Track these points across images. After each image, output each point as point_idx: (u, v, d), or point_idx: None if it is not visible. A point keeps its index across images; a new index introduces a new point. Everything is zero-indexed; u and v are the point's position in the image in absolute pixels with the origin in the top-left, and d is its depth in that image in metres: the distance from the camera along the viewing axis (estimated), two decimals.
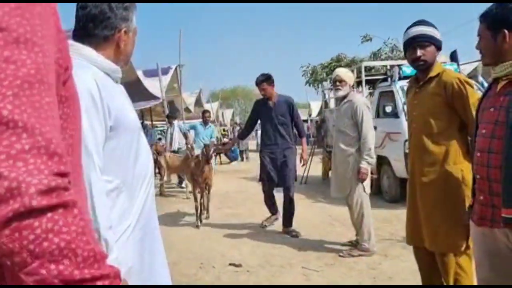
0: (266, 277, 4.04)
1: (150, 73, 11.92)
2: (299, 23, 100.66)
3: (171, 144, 9.97)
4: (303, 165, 6.17)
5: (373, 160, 4.46)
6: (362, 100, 4.67)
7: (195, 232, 5.79)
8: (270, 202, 5.81)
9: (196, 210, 6.20)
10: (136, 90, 9.64)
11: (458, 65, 7.33)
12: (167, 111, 11.51)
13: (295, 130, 5.75)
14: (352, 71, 8.38)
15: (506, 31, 1.81)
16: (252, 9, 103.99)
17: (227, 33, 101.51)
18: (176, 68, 12.76)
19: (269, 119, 5.54)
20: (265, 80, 5.48)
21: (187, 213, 6.97)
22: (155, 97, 11.41)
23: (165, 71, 12.28)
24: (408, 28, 2.70)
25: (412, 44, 2.64)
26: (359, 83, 8.73)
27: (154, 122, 15.99)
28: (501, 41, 1.83)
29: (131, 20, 1.51)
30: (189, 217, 6.68)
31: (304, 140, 5.87)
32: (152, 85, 11.38)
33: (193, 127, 9.60)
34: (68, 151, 0.74)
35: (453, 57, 7.56)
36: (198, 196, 6.38)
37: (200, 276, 4.12)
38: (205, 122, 9.44)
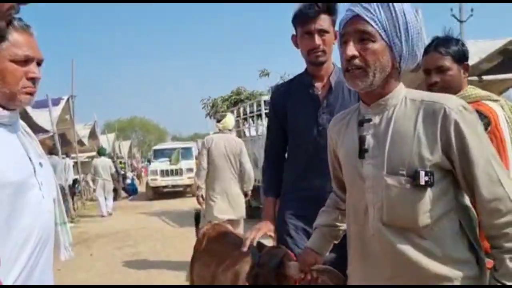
0: None
1: (38, 105, 11.00)
2: (197, 55, 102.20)
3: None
4: None
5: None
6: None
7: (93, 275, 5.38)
8: None
9: None
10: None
11: None
12: (58, 145, 10.71)
13: None
14: (252, 104, 9.28)
15: (467, 64, 1.98)
16: (150, 40, 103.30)
17: (124, 62, 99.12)
18: (68, 99, 12.03)
19: (311, 126, 2.04)
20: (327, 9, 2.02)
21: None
22: (44, 130, 10.56)
23: (55, 102, 11.47)
24: None
25: None
26: (259, 116, 9.02)
27: None
28: (463, 73, 1.98)
29: None
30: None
31: None
32: (41, 117, 10.54)
33: None
34: None
35: None
36: None
37: None
38: None
